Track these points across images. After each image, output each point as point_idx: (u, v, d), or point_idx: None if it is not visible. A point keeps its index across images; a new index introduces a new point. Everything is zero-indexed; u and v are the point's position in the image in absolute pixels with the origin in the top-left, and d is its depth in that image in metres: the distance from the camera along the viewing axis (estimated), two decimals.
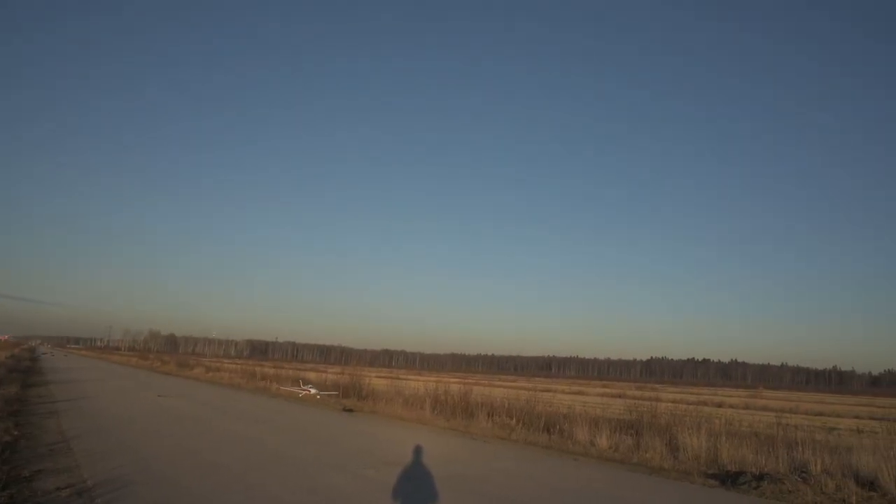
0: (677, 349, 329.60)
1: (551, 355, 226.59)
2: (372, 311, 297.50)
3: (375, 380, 30.88)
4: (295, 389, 25.01)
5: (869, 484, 9.90)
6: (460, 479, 9.97)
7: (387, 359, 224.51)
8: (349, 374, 29.13)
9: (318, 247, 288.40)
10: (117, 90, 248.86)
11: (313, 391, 23.78)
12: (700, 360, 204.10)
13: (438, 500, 8.25)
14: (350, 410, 20.61)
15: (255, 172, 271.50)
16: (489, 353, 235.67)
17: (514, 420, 17.78)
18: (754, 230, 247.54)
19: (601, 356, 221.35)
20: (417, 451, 11.94)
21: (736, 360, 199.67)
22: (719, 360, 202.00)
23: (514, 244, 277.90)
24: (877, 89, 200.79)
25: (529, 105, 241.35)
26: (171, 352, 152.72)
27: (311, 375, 37.51)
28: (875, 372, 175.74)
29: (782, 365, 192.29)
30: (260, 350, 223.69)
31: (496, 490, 9.33)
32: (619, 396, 47.97)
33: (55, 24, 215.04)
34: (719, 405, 41.42)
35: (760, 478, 10.70)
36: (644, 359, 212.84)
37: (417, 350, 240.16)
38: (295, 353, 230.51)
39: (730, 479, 11.06)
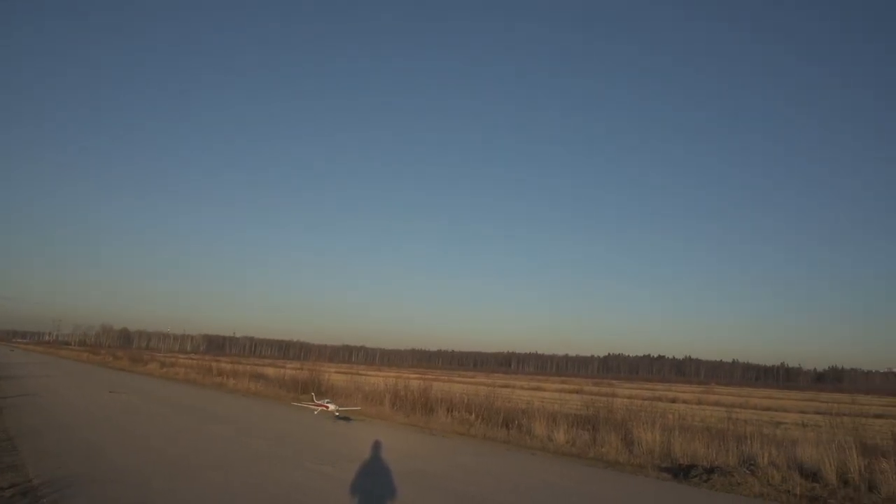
0: (634, 346, 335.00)
1: (511, 351, 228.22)
2: (333, 306, 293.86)
3: (335, 375, 30.69)
4: (310, 405, 19.86)
5: (812, 475, 10.30)
6: (419, 474, 9.98)
7: (347, 354, 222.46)
8: (308, 370, 28.90)
9: (289, 244, 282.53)
10: (116, 89, 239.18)
11: (332, 407, 18.89)
12: (655, 356, 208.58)
13: (397, 495, 8.24)
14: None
15: (254, 172, 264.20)
16: (449, 349, 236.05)
17: (474, 415, 17.87)
18: (710, 233, 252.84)
19: (560, 352, 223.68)
20: (376, 446, 11.89)
21: (690, 356, 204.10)
22: (674, 357, 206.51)
23: (477, 243, 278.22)
24: (876, 89, 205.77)
25: (529, 105, 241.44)
26: (124, 347, 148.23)
27: (270, 371, 36.90)
28: (819, 368, 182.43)
29: (734, 361, 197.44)
30: (217, 345, 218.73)
31: (455, 485, 9.37)
32: (577, 392, 48.71)
33: (54, 22, 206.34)
34: (673, 400, 42.46)
35: (711, 471, 11.02)
36: (601, 355, 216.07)
37: (378, 346, 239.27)
38: (253, 348, 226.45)
39: (682, 472, 11.36)
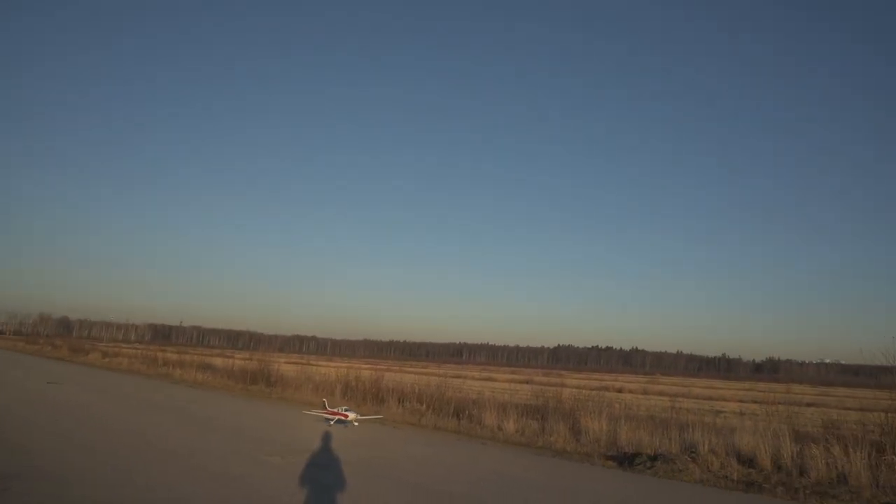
0: (582, 337, 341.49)
1: (462, 342, 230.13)
2: (283, 295, 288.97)
3: (285, 366, 30.23)
4: (323, 413, 16.02)
5: (749, 461, 10.76)
6: (369, 464, 9.95)
7: (298, 344, 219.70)
8: (257, 361, 28.37)
9: (257, 237, 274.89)
10: (113, 88, 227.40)
11: (351, 416, 15.38)
12: (603, 347, 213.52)
13: (346, 486, 8.18)
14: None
15: (250, 170, 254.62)
16: (401, 340, 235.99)
17: (425, 406, 17.93)
18: (653, 227, 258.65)
19: (511, 343, 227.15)
20: (326, 437, 11.82)
21: (636, 347, 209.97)
22: (621, 348, 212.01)
23: (429, 234, 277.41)
24: (876, 89, 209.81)
25: (529, 105, 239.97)
26: (64, 336, 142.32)
27: (218, 361, 36.10)
28: (758, 360, 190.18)
29: (678, 352, 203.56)
30: (163, 334, 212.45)
31: (405, 475, 9.39)
32: (527, 382, 49.35)
33: (53, 20, 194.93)
34: (620, 390, 43.51)
35: (655, 458, 11.36)
36: (551, 346, 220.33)
37: (329, 336, 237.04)
38: (201, 338, 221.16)
39: (627, 460, 11.68)
